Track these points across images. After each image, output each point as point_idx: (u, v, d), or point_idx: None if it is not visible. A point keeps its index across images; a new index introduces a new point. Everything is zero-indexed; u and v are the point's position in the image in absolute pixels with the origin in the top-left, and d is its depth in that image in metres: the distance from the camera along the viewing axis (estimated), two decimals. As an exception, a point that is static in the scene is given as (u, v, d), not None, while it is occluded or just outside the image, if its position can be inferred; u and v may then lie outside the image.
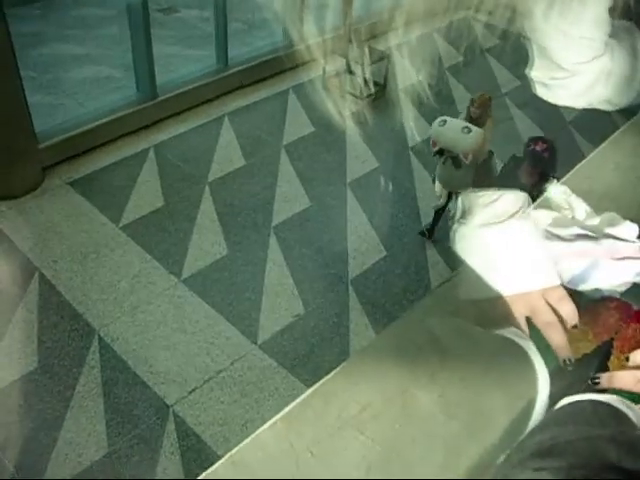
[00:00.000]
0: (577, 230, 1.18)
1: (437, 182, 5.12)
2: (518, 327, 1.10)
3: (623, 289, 1.24)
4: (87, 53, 7.41)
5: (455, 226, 1.15)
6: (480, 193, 1.16)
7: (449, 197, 5.06)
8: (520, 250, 1.13)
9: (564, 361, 1.07)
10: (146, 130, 6.30)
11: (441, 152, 4.73)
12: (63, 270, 4.76)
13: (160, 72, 6.40)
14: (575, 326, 1.13)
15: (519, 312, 1.11)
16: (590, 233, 1.22)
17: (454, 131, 4.63)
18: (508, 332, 1.10)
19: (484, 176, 4.76)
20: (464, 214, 1.16)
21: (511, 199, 1.16)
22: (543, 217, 1.21)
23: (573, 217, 1.31)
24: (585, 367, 1.19)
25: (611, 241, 1.23)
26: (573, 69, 1.17)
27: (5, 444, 3.67)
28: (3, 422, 3.80)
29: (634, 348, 1.17)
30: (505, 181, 4.64)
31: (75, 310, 4.47)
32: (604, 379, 0.99)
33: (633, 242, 1.23)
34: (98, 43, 7.64)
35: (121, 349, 4.24)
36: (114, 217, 5.26)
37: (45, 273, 4.72)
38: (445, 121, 4.67)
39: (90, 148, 5.96)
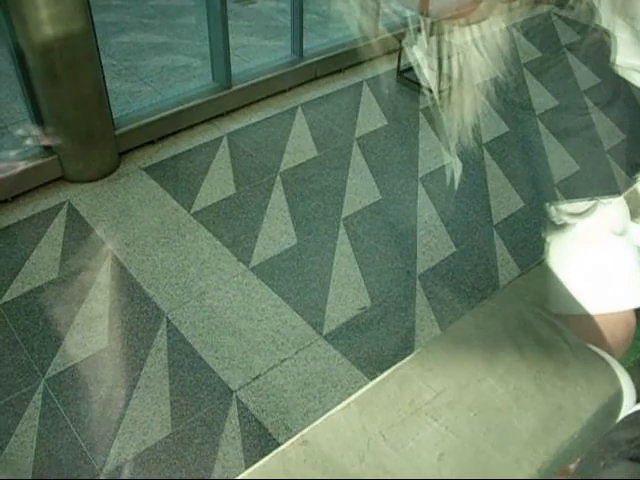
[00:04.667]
0: None
1: None
2: (601, 345, 1.05)
3: None
4: (165, 42, 7.54)
5: (549, 239, 1.11)
6: (574, 204, 1.11)
7: None
8: (622, 269, 1.07)
9: None
10: (220, 119, 6.38)
11: None
12: (135, 253, 4.86)
13: (235, 62, 6.46)
14: None
15: (608, 330, 1.05)
16: None
17: None
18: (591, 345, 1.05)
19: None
20: (561, 226, 1.11)
21: (610, 211, 1.10)
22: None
23: None
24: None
25: None
26: None
27: (76, 417, 3.77)
28: (75, 396, 3.90)
29: None
30: None
31: (145, 293, 4.56)
32: None
33: None
34: (176, 32, 7.78)
35: (188, 333, 4.30)
36: (186, 203, 5.34)
37: (118, 255, 4.83)
38: None
39: (165, 135, 6.07)
